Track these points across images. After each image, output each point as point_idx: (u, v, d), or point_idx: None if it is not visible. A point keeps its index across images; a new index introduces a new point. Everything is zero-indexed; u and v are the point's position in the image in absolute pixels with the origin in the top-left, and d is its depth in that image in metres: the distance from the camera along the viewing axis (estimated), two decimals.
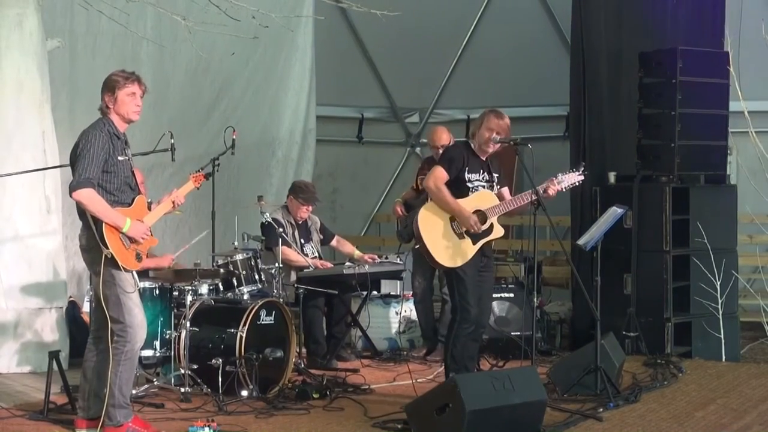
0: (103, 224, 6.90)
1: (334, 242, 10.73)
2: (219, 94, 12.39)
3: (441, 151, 10.19)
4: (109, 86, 7.16)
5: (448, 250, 8.12)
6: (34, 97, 9.65)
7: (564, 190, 8.44)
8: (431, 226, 8.13)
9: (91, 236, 6.95)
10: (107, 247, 6.89)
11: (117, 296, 7.00)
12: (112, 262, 6.95)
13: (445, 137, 10.38)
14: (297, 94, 13.52)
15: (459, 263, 8.14)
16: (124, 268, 6.99)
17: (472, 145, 8.32)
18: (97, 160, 6.93)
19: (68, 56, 10.64)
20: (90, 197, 6.88)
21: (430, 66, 14.74)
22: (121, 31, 10.50)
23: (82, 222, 7.09)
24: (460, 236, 8.14)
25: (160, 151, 8.40)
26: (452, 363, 8.14)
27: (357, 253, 10.56)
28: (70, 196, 6.93)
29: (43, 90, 9.73)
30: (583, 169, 8.57)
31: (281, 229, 9.66)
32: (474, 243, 8.17)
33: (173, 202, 7.45)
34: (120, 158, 7.08)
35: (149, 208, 7.40)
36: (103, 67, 10.83)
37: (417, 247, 8.11)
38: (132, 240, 7.04)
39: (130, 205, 7.13)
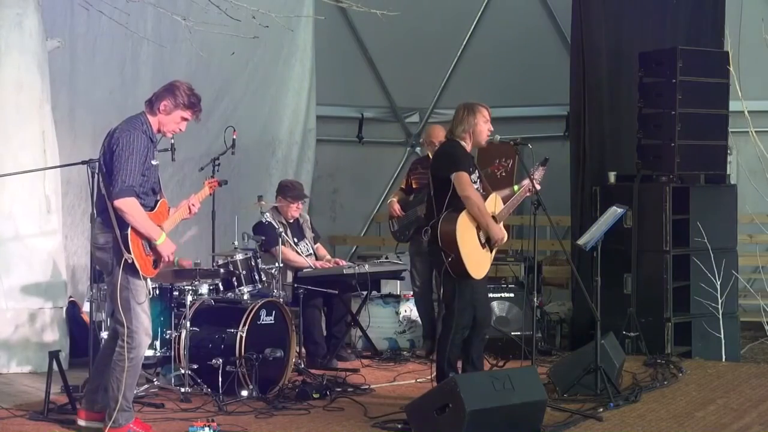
0: (129, 228, 6.89)
1: (314, 246, 10.68)
2: (219, 94, 12.38)
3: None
4: (178, 98, 7.13)
5: (478, 262, 8.04)
6: (33, 97, 9.64)
7: (539, 185, 8.46)
8: (467, 237, 7.96)
9: (113, 237, 6.94)
10: (129, 252, 6.88)
11: (128, 301, 6.99)
12: (131, 268, 6.94)
13: (442, 134, 10.38)
14: (297, 94, 13.51)
15: (483, 274, 8.13)
16: (142, 276, 7.00)
17: (463, 144, 8.27)
18: (139, 166, 6.92)
19: (68, 56, 10.63)
20: (132, 206, 6.86)
21: (430, 66, 14.73)
22: (121, 31, 10.49)
23: (100, 219, 7.05)
24: (483, 246, 8.10)
25: (160, 151, 8.38)
26: (448, 368, 8.09)
27: (326, 258, 10.54)
28: (111, 201, 6.88)
29: (43, 90, 9.72)
30: (545, 159, 8.58)
31: (281, 230, 9.65)
32: (491, 251, 8.17)
33: (189, 209, 7.49)
34: (153, 162, 7.10)
35: None
36: (103, 67, 10.89)
37: (450, 259, 7.93)
38: (155, 252, 7.04)
39: (153, 208, 7.13)
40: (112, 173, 6.93)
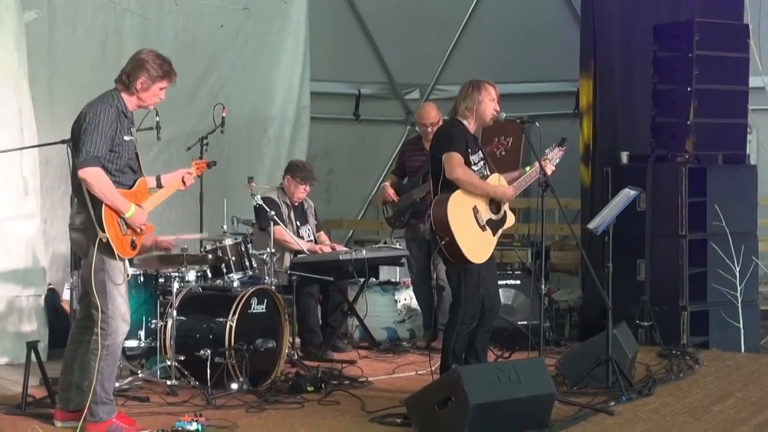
0: (103, 206, 6.90)
1: (316, 234, 10.68)
2: (207, 69, 12.35)
3: (430, 129, 10.17)
4: (150, 71, 7.17)
5: (477, 246, 8.00)
6: (10, 73, 9.61)
7: (554, 167, 8.46)
8: (461, 219, 7.93)
9: (88, 216, 6.95)
10: (104, 231, 6.90)
11: (104, 283, 7.00)
12: (106, 248, 6.95)
13: (434, 114, 10.38)
14: (290, 69, 13.48)
15: (484, 258, 8.09)
16: (119, 256, 7.01)
17: (465, 123, 8.24)
18: (105, 137, 6.96)
19: (47, 29, 10.59)
20: (97, 176, 6.89)
21: (432, 39, 14.71)
22: (103, 2, 10.47)
23: (76, 199, 7.09)
24: (483, 228, 8.06)
25: (144, 130, 8.36)
26: (453, 360, 8.09)
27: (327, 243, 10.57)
28: (76, 173, 6.93)
29: (20, 65, 9.69)
30: (563, 140, 8.60)
31: (273, 212, 9.64)
32: (494, 234, 8.14)
33: (184, 180, 7.53)
34: (126, 138, 7.11)
35: (159, 183, 7.47)
36: (84, 40, 10.84)
37: (443, 243, 7.91)
38: (130, 227, 7.05)
39: (131, 187, 7.15)
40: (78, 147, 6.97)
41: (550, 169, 8.39)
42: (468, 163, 8.05)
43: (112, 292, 7.03)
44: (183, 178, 7.55)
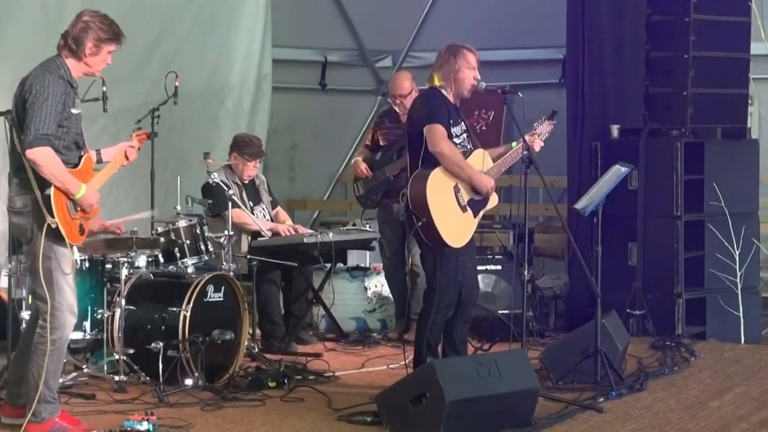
0: (52, 188, 6.87)
1: (273, 212, 10.66)
2: (159, 34, 12.28)
3: (402, 102, 10.18)
4: (99, 34, 7.14)
5: (456, 228, 8.02)
6: None
7: (543, 142, 8.46)
8: (440, 199, 7.94)
9: (33, 200, 6.92)
10: (53, 216, 6.87)
11: (50, 271, 6.98)
12: (54, 234, 6.92)
13: (407, 85, 10.39)
14: (250, 34, 13.42)
15: (464, 242, 8.09)
16: (69, 243, 6.99)
17: (445, 93, 8.23)
18: (55, 113, 6.92)
19: None
20: (48, 157, 6.85)
21: (405, 1, 14.68)
22: None
23: (16, 180, 7.05)
24: (464, 209, 8.06)
25: (90, 101, 8.31)
26: (427, 353, 8.11)
27: (287, 223, 10.50)
28: (23, 153, 6.86)
29: None
30: (553, 112, 8.61)
31: (231, 191, 9.62)
32: (475, 216, 8.14)
33: (126, 154, 7.51)
34: (74, 111, 7.09)
35: (100, 159, 7.45)
36: (23, 4, 10.75)
37: (420, 224, 7.90)
38: (80, 209, 7.02)
39: (76, 165, 7.12)
40: (24, 123, 6.92)
41: (538, 144, 8.40)
42: (450, 136, 8.05)
43: (59, 282, 7.01)
44: (126, 152, 7.52)
